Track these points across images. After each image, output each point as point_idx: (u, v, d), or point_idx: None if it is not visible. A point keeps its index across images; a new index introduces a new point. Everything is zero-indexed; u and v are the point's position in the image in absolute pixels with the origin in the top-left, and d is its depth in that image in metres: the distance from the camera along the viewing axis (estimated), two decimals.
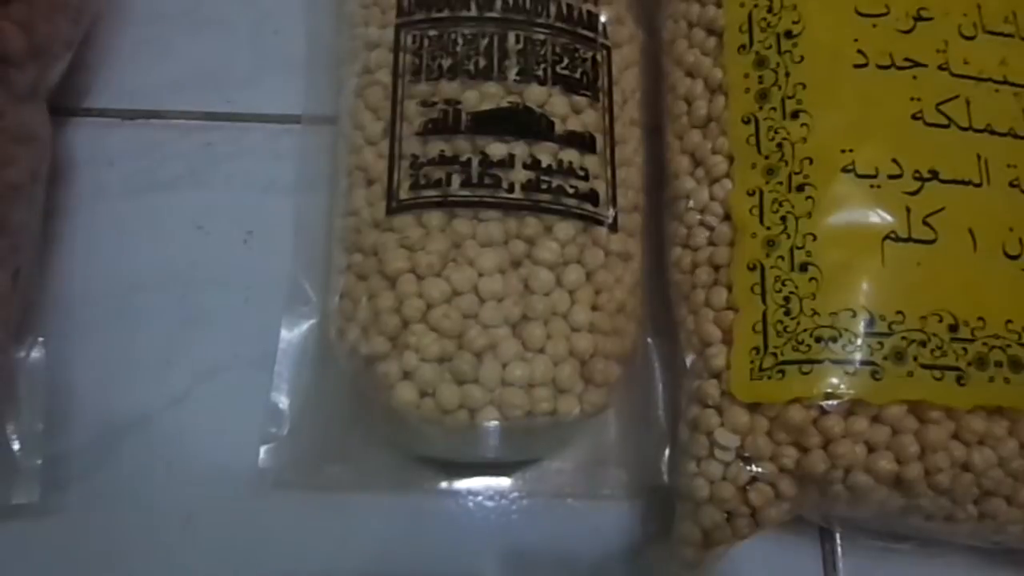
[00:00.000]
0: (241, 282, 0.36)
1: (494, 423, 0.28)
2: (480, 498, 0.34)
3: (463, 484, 0.34)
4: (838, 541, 0.35)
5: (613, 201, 0.32)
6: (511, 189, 0.30)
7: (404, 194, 0.30)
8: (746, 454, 0.30)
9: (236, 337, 0.35)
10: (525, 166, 0.30)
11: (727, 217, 0.32)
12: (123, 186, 0.37)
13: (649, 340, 0.34)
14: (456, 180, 0.30)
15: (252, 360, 0.34)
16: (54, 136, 0.35)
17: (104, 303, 0.35)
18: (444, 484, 0.34)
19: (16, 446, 0.31)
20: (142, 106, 0.38)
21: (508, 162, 0.30)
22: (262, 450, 0.32)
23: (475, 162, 0.30)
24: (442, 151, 0.31)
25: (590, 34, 0.33)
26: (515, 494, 0.34)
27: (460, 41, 0.32)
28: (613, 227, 0.32)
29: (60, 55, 0.36)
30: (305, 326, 0.34)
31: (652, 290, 0.34)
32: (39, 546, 0.32)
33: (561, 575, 0.34)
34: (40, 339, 0.33)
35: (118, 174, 0.37)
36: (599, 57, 0.33)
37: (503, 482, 0.34)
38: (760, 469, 0.29)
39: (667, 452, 0.33)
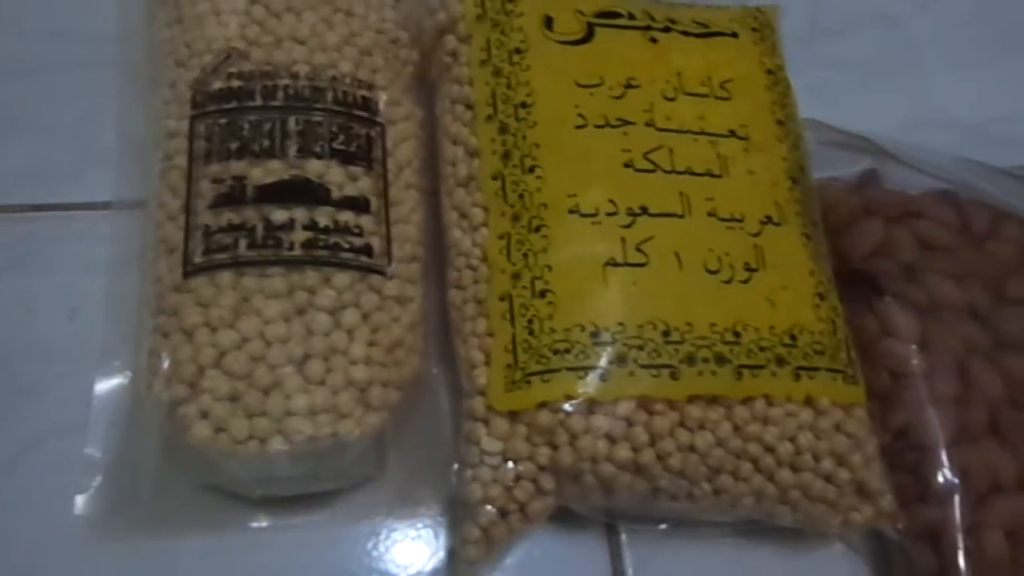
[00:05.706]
0: (68, 354, 0.39)
1: (281, 448, 0.32)
2: (300, 530, 0.37)
3: (283, 519, 0.37)
4: (623, 535, 0.39)
5: (388, 253, 0.37)
6: (292, 247, 0.35)
7: (198, 259, 0.35)
8: (509, 457, 0.34)
9: (64, 405, 0.38)
10: (304, 227, 0.35)
11: (485, 259, 0.37)
12: None
13: (435, 370, 0.39)
14: (243, 243, 0.35)
15: (79, 425, 0.37)
16: None
17: None
18: (264, 522, 0.37)
19: None
20: None
21: (289, 225, 0.35)
22: (78, 499, 0.35)
23: (260, 227, 0.35)
24: (231, 220, 0.35)
25: (365, 114, 0.39)
26: (334, 523, 0.38)
27: (247, 127, 0.37)
28: (389, 275, 0.37)
29: None
30: (119, 385, 0.37)
31: (441, 327, 0.39)
32: None
33: None
34: None
35: None
36: (373, 133, 0.39)
37: (321, 514, 0.38)
38: (521, 468, 0.34)
39: (455, 466, 0.37)
